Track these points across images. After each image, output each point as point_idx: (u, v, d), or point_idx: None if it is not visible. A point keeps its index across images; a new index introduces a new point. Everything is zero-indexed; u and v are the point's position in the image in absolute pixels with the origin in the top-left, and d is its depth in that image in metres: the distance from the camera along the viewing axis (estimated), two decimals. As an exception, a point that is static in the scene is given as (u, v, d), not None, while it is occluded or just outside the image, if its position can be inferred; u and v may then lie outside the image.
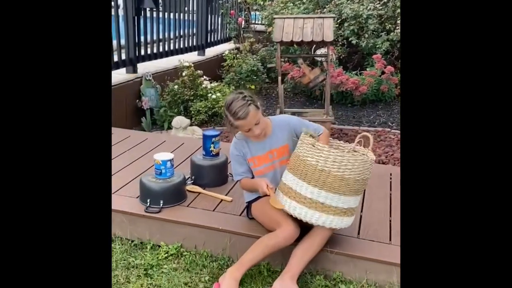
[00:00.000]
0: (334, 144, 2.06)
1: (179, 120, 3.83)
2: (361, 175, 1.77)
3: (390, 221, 2.16)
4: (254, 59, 5.34)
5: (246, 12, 6.75)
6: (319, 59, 5.05)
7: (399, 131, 4.06)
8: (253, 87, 5.14)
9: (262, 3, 6.45)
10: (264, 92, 5.53)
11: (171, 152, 2.33)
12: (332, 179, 1.73)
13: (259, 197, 2.02)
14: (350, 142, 3.76)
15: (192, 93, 4.31)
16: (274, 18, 3.70)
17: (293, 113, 3.93)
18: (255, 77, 5.17)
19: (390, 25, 5.20)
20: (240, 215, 2.16)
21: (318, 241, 1.82)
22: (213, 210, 2.20)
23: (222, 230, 2.03)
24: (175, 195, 2.22)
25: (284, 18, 3.64)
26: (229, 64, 5.33)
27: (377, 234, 2.03)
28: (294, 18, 3.62)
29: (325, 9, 5.45)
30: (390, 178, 2.67)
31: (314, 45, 4.79)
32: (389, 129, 4.14)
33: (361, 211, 2.23)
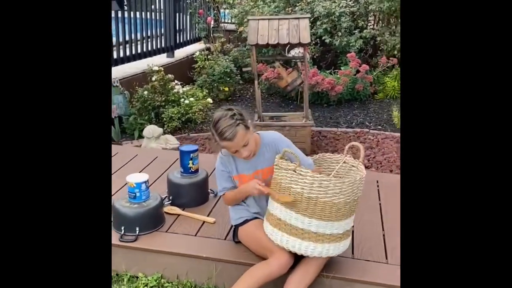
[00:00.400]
0: (321, 157, 1.94)
1: (151, 129, 3.60)
2: (351, 196, 1.64)
3: (384, 235, 2.06)
4: (227, 60, 5.16)
5: (215, 11, 6.53)
6: (294, 60, 4.92)
7: (377, 132, 4.00)
8: (226, 89, 4.97)
9: (231, 1, 6.25)
10: (238, 93, 5.37)
11: (145, 168, 2.13)
12: (321, 206, 1.59)
13: (246, 221, 1.86)
14: (330, 145, 3.72)
15: (163, 98, 4.08)
16: (248, 20, 3.53)
17: (271, 117, 3.79)
18: (228, 79, 4.99)
19: (362, 23, 5.14)
20: (225, 238, 2.00)
21: (314, 267, 1.69)
22: (195, 235, 2.03)
23: (207, 258, 1.86)
24: (152, 220, 2.03)
25: (258, 19, 3.47)
26: (201, 66, 5.12)
27: (371, 252, 1.92)
28: (268, 19, 3.46)
29: (296, 7, 5.33)
30: (378, 186, 2.58)
31: (289, 45, 4.65)
32: (367, 130, 4.07)
33: (352, 226, 2.11)
